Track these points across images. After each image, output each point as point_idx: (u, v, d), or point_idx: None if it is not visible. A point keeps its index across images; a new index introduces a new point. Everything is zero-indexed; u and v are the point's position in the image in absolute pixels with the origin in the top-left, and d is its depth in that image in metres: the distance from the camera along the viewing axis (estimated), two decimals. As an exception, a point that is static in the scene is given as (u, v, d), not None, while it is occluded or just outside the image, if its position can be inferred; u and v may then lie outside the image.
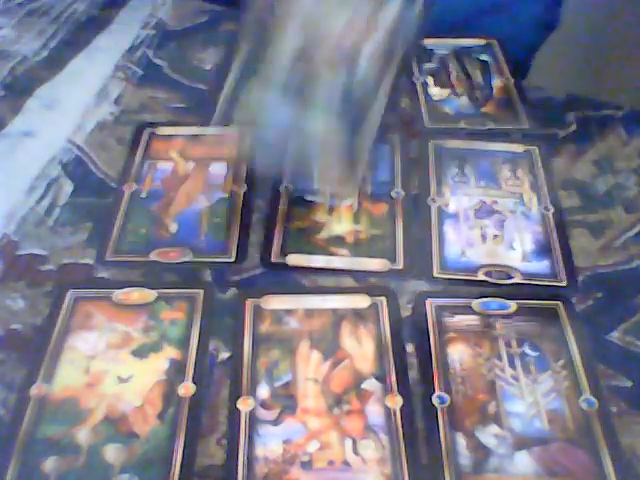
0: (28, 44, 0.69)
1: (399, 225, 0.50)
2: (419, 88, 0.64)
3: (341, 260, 0.48)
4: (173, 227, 0.50)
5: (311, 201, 0.52)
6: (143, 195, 0.53)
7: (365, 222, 0.51)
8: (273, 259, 0.48)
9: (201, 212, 0.51)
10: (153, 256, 0.48)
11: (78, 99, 0.61)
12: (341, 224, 0.51)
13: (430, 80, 0.65)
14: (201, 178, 0.54)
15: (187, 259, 0.48)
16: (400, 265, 0.48)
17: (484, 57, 0.67)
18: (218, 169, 0.55)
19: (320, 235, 0.50)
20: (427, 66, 0.67)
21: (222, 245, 0.49)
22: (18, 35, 0.71)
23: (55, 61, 0.66)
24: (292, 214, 0.51)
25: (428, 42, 0.69)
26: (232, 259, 0.48)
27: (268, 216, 0.51)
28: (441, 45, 0.69)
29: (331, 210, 0.52)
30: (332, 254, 0.49)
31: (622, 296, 0.46)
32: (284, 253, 0.48)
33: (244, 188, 0.53)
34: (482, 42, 0.69)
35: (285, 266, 0.48)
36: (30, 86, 0.64)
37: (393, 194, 0.53)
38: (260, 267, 0.48)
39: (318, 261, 0.48)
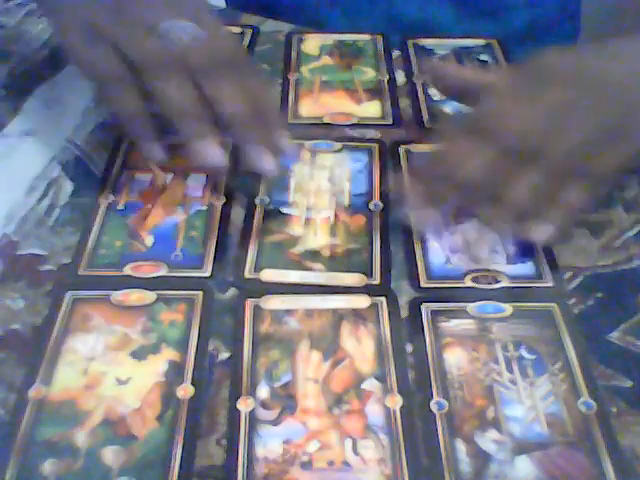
0: (28, 44, 0.69)
1: (376, 238, 0.50)
2: (419, 88, 0.64)
3: (316, 275, 0.47)
4: (149, 240, 0.49)
5: (286, 214, 0.52)
6: (120, 207, 0.52)
7: (342, 235, 0.50)
8: (247, 275, 0.47)
9: (178, 225, 0.51)
10: (127, 270, 0.47)
11: (78, 99, 0.61)
12: (317, 237, 0.50)
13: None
14: (179, 190, 0.53)
15: (161, 273, 0.47)
16: (377, 280, 0.47)
17: (484, 57, 0.67)
18: (196, 181, 0.54)
19: (295, 249, 0.49)
20: (427, 66, 0.67)
21: (198, 259, 0.48)
22: (18, 35, 0.71)
23: (55, 61, 0.66)
24: (267, 227, 0.50)
25: (428, 42, 0.70)
26: (208, 274, 0.47)
27: (242, 230, 0.50)
28: (441, 45, 0.69)
29: (307, 223, 0.51)
30: (307, 269, 0.48)
31: (622, 296, 0.46)
32: (258, 268, 0.48)
33: (222, 200, 0.52)
34: (482, 42, 0.69)
35: (259, 282, 0.47)
36: (30, 86, 0.64)
37: (371, 206, 0.52)
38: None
39: (292, 276, 0.47)
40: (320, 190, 0.53)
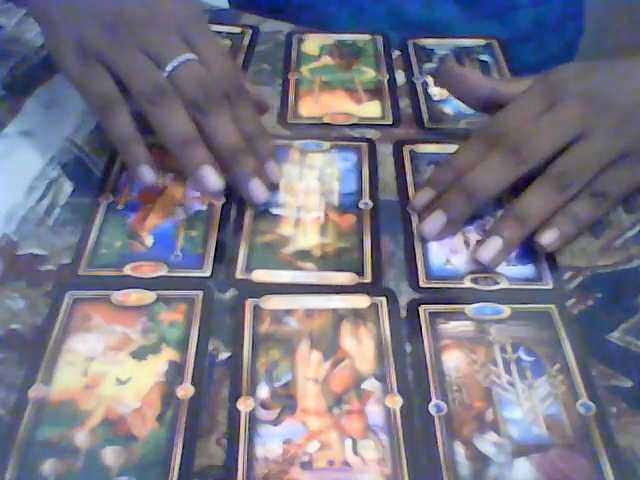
0: (28, 44, 0.69)
1: (367, 237, 0.50)
2: (419, 88, 0.64)
3: (307, 275, 0.47)
4: (149, 240, 0.49)
5: (276, 214, 0.52)
6: (120, 207, 0.52)
7: (332, 235, 0.50)
8: (238, 276, 0.47)
9: (178, 225, 0.51)
10: (127, 270, 0.47)
11: (78, 99, 0.61)
12: (307, 237, 0.50)
13: (430, 80, 0.65)
14: (179, 190, 0.53)
15: (161, 273, 0.47)
16: (368, 278, 0.47)
17: (484, 57, 0.67)
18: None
19: (286, 249, 0.49)
20: (427, 66, 0.67)
21: (197, 260, 0.48)
22: (18, 35, 0.71)
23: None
24: (257, 228, 0.50)
25: (428, 42, 0.70)
26: (208, 274, 0.47)
27: (233, 231, 0.50)
28: (441, 45, 0.69)
29: (297, 223, 0.51)
30: (298, 269, 0.48)
31: (622, 296, 0.46)
32: (249, 269, 0.48)
33: (222, 200, 0.52)
34: (482, 42, 0.69)
35: (251, 283, 0.47)
36: (30, 86, 0.64)
37: (361, 205, 0.52)
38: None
39: (284, 276, 0.47)
40: (309, 190, 0.53)
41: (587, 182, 0.47)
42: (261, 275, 0.47)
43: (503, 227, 0.47)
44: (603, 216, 0.50)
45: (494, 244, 0.47)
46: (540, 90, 0.50)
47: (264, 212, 0.51)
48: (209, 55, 0.51)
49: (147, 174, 0.49)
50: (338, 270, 0.47)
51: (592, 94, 0.48)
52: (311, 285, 0.47)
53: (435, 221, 0.49)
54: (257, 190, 0.50)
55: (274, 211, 0.52)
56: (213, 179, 0.48)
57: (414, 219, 0.51)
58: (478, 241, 0.49)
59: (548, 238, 0.47)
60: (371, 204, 0.52)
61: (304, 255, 0.48)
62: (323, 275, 0.47)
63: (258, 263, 0.48)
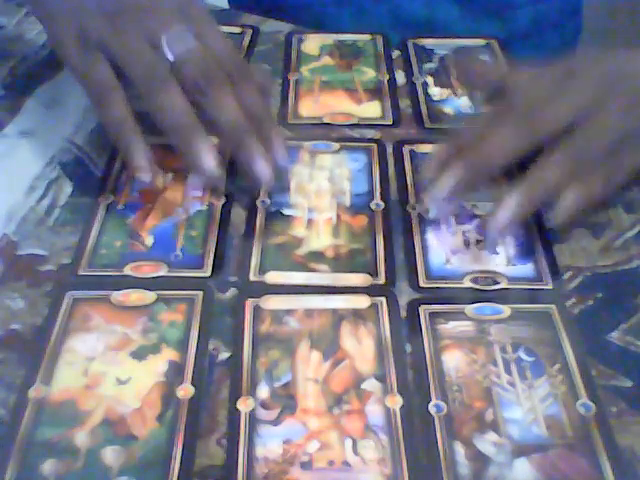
0: (28, 44, 0.69)
1: (379, 238, 0.50)
2: (419, 88, 0.64)
3: (321, 276, 0.47)
4: (149, 240, 0.49)
5: (289, 215, 0.51)
6: (120, 207, 0.52)
7: (345, 236, 0.50)
8: (252, 278, 0.47)
9: (178, 225, 0.50)
10: (127, 270, 0.47)
11: (78, 99, 0.61)
12: (320, 239, 0.50)
13: (430, 80, 0.65)
14: (179, 190, 0.53)
15: (161, 273, 0.47)
16: (382, 280, 0.47)
17: (484, 57, 0.67)
18: (197, 180, 0.53)
19: (299, 251, 0.49)
20: (427, 66, 0.67)
21: (197, 260, 0.48)
22: (18, 35, 0.71)
23: (55, 61, 0.66)
24: (270, 229, 0.50)
25: (428, 42, 0.70)
26: (208, 274, 0.47)
27: (245, 232, 0.50)
28: (441, 45, 0.69)
29: (310, 224, 0.51)
30: (312, 270, 0.48)
31: (622, 296, 0.46)
32: (262, 271, 0.47)
33: (222, 200, 0.52)
34: (482, 42, 0.69)
35: (265, 285, 0.47)
36: (30, 86, 0.64)
37: (372, 206, 0.52)
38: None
39: (297, 278, 0.47)
40: (320, 191, 0.53)
41: (599, 156, 0.47)
42: (274, 277, 0.47)
43: (517, 191, 0.46)
44: (612, 193, 0.49)
45: (510, 203, 0.46)
46: (557, 69, 0.50)
47: (276, 213, 0.51)
48: (210, 39, 0.51)
49: (140, 156, 0.49)
50: (352, 271, 0.47)
51: (608, 73, 0.49)
52: (321, 286, 0.46)
53: (445, 182, 0.47)
54: (262, 169, 0.49)
55: (286, 212, 0.52)
56: (211, 163, 0.48)
57: (414, 219, 0.51)
58: (478, 241, 0.49)
59: (557, 209, 0.46)
60: (383, 205, 0.52)
61: (317, 256, 0.48)
62: (337, 277, 0.47)
63: (271, 265, 0.48)
